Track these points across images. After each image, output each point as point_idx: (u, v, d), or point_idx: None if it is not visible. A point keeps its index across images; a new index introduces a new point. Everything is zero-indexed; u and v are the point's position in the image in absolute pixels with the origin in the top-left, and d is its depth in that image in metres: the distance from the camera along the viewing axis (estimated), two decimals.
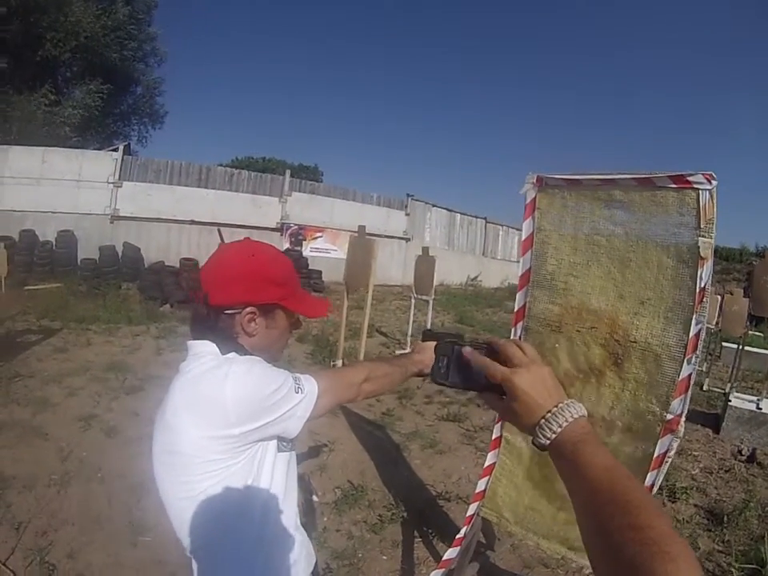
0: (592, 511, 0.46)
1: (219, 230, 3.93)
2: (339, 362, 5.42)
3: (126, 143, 13.92)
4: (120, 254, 10.59)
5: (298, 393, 0.84)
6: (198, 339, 0.90)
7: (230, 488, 0.81)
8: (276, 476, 0.88)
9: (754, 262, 6.01)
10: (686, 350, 1.22)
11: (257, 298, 0.90)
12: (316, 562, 1.03)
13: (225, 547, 0.85)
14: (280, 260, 0.97)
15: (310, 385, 0.87)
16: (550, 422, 0.52)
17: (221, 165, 15.23)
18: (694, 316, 1.21)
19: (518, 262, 1.66)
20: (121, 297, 8.67)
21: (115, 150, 12.03)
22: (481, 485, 1.80)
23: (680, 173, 1.22)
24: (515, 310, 1.59)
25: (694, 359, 1.23)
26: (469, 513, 1.84)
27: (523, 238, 1.56)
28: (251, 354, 0.88)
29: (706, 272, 1.21)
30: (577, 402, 0.54)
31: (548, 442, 0.52)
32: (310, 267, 12.07)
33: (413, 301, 7.13)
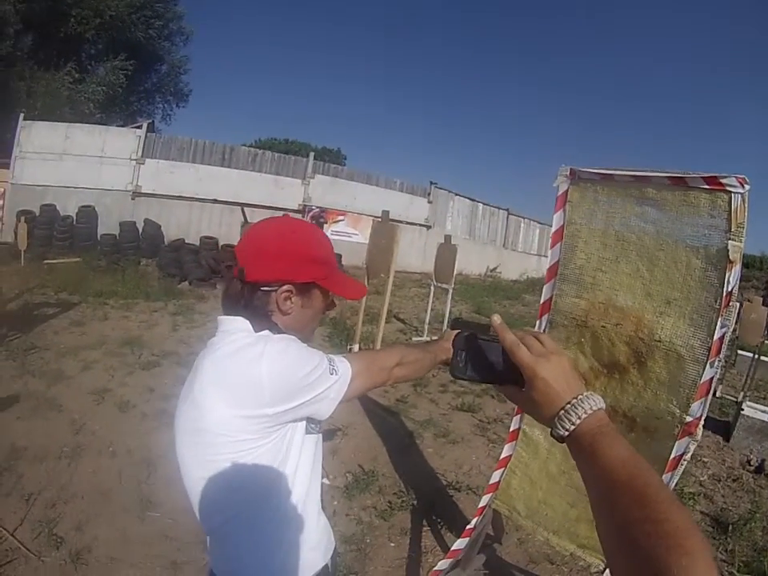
0: (609, 503, 0.46)
1: (243, 209, 4.04)
2: (356, 347, 5.44)
3: (150, 121, 14.03)
4: (140, 230, 10.72)
5: (332, 374, 0.83)
6: (230, 315, 0.87)
7: (258, 468, 0.80)
8: (303, 458, 0.87)
9: None
10: (709, 352, 1.21)
11: (295, 275, 0.87)
12: (335, 547, 1.03)
13: (247, 528, 0.84)
14: (320, 238, 0.95)
15: (344, 367, 0.85)
16: (569, 413, 0.52)
17: (243, 145, 15.23)
18: (720, 319, 1.20)
19: (545, 255, 1.66)
20: (139, 273, 8.76)
21: (139, 127, 12.13)
22: (495, 476, 1.80)
23: (713, 174, 1.20)
24: (541, 302, 1.58)
25: (716, 363, 1.22)
26: (481, 504, 1.85)
27: (553, 230, 1.54)
28: (285, 333, 0.87)
29: (733, 276, 1.20)
30: (596, 394, 0.53)
31: (567, 433, 0.52)
32: None
33: (432, 288, 7.11)
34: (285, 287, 0.86)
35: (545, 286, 1.57)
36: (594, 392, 0.55)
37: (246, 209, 11.20)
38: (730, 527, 3.07)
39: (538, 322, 1.59)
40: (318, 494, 0.94)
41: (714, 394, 6.37)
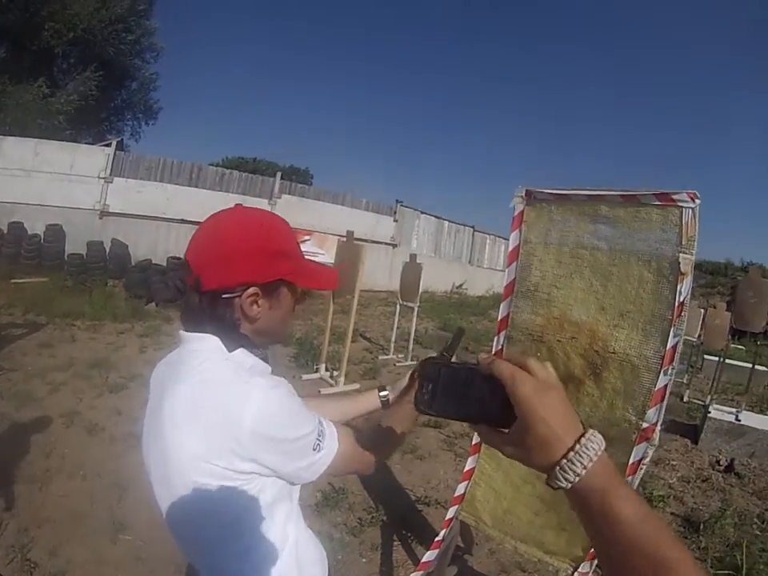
0: (621, 565, 0.43)
1: None
2: (323, 366, 5.46)
3: (119, 139, 13.89)
4: (108, 250, 10.52)
5: (315, 450, 0.74)
6: (195, 331, 0.78)
7: (234, 503, 0.72)
8: (281, 490, 0.79)
9: (738, 277, 6.13)
10: (662, 361, 1.27)
11: (259, 276, 0.77)
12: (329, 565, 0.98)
13: (227, 564, 0.77)
14: (281, 227, 0.83)
15: (330, 446, 0.77)
16: (573, 463, 0.43)
17: (211, 164, 15.20)
18: (672, 329, 1.26)
19: (504, 272, 1.70)
20: (107, 293, 8.63)
21: (108, 144, 11.96)
22: (460, 489, 1.82)
23: (665, 191, 1.27)
24: (499, 319, 1.63)
25: (670, 370, 1.27)
26: (448, 516, 1.87)
27: (509, 249, 1.59)
28: (256, 345, 0.80)
29: (685, 287, 1.26)
30: (595, 431, 0.46)
31: (569, 485, 0.44)
32: None
33: (398, 307, 7.15)
34: (249, 291, 0.77)
35: (502, 303, 1.61)
36: None
37: None
38: (702, 525, 3.15)
39: (496, 338, 1.63)
40: (300, 518, 0.88)
41: (682, 398, 6.60)
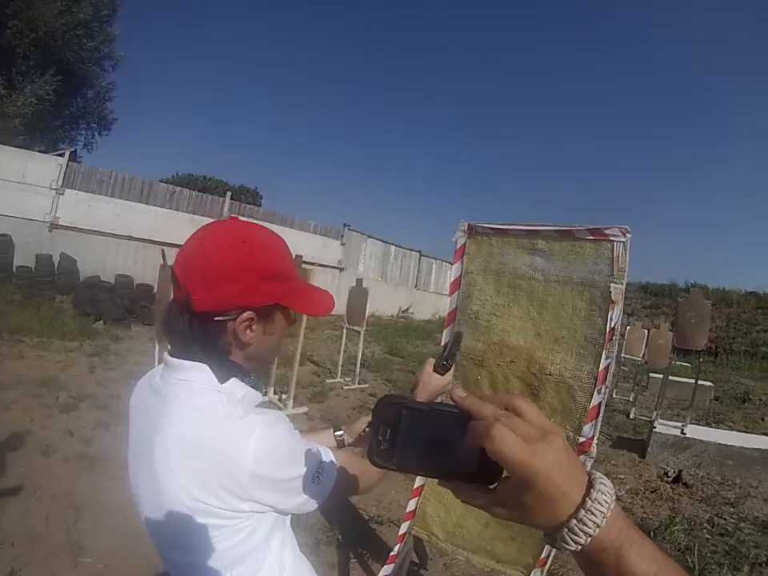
0: None
1: (163, 252, 3.88)
2: (271, 390, 5.48)
3: (73, 149, 13.46)
4: (56, 264, 10.18)
5: (314, 483, 0.72)
6: (183, 357, 0.73)
7: (232, 539, 0.70)
8: (276, 520, 0.78)
9: (678, 299, 6.51)
10: (596, 381, 1.40)
11: (256, 299, 0.72)
12: None
13: None
14: (278, 245, 0.78)
15: (329, 477, 0.74)
16: (584, 523, 0.37)
17: (162, 180, 15.07)
18: (604, 352, 1.39)
19: (447, 300, 1.80)
20: (54, 309, 8.39)
21: (61, 154, 11.55)
22: (411, 505, 1.90)
23: (598, 226, 1.41)
24: (441, 344, 1.74)
25: (603, 389, 1.40)
26: (401, 531, 1.93)
27: (451, 279, 1.72)
28: (246, 372, 0.77)
29: (616, 314, 1.40)
30: (604, 477, 0.40)
31: (580, 548, 0.38)
32: None
33: (345, 331, 7.20)
34: (244, 315, 0.72)
35: (444, 330, 1.73)
36: None
37: (160, 248, 11.00)
38: (652, 533, 3.29)
39: None
40: (294, 543, 0.88)
41: (628, 415, 6.89)
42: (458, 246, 1.67)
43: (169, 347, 0.77)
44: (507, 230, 1.56)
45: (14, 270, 9.64)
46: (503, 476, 0.39)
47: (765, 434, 5.88)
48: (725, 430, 6.48)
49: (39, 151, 11.78)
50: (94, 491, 2.96)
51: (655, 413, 5.67)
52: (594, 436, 1.42)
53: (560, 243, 1.47)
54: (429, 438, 0.41)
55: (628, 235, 1.40)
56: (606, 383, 1.40)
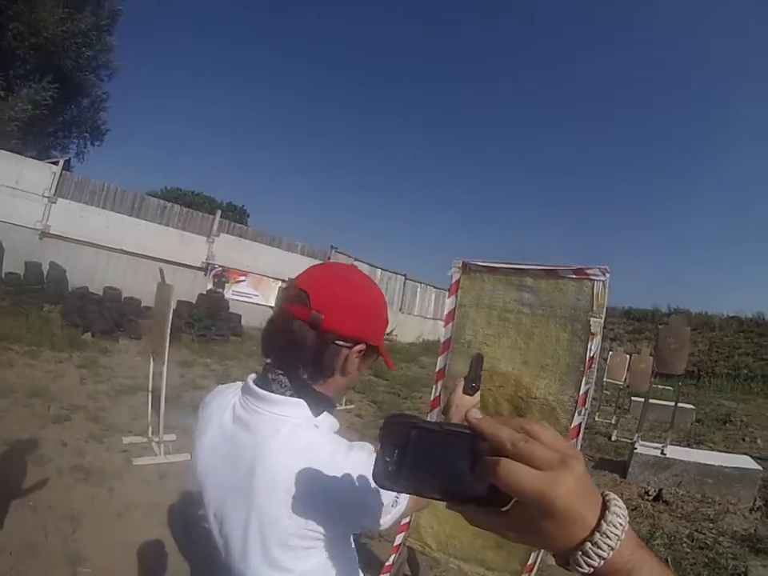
0: None
1: (161, 271, 4.00)
2: None
3: (68, 158, 13.46)
4: (45, 273, 10.12)
5: (393, 506, 0.76)
6: (284, 372, 0.80)
7: (325, 561, 0.78)
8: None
9: (659, 326, 6.71)
10: (576, 404, 1.55)
11: (373, 337, 0.82)
12: None
13: None
14: (385, 303, 0.90)
15: (404, 498, 0.78)
16: (599, 546, 0.36)
17: (150, 193, 15.11)
18: (584, 378, 1.54)
19: (441, 319, 1.95)
20: (42, 319, 8.39)
21: (55, 162, 11.58)
22: (405, 518, 2.01)
23: (580, 267, 1.58)
24: (437, 370, 1.89)
25: (583, 411, 1.55)
26: (396, 542, 2.03)
27: (446, 312, 1.88)
28: (333, 403, 0.85)
29: (594, 344, 1.55)
30: (618, 498, 0.39)
31: (592, 570, 0.37)
32: (230, 310, 12.06)
33: None
34: (360, 346, 0.80)
35: (439, 357, 1.89)
36: None
37: (149, 263, 11.24)
38: None
39: (434, 387, 1.89)
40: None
41: (610, 438, 7.04)
42: (453, 280, 1.83)
43: (253, 376, 0.84)
44: (498, 267, 1.72)
45: (3, 275, 9.60)
46: (515, 499, 0.38)
47: (746, 453, 6.03)
48: (705, 450, 6.64)
49: (32, 157, 11.78)
50: (89, 502, 3.01)
51: (636, 435, 5.80)
52: None
53: (546, 281, 1.63)
54: (438, 460, 0.39)
55: (607, 275, 1.57)
56: (586, 406, 1.55)
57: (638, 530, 3.91)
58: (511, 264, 1.68)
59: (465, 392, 1.10)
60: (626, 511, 0.38)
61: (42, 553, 2.52)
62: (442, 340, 1.86)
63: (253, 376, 0.84)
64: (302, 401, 0.78)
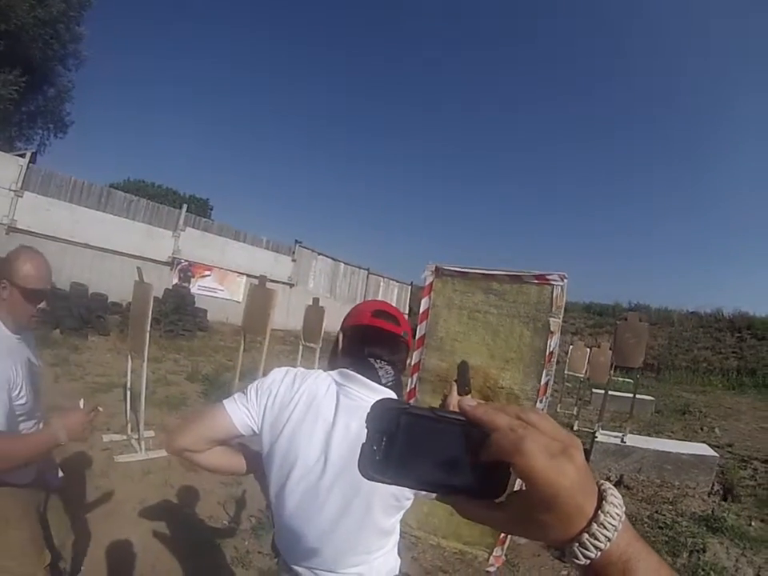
0: None
1: (140, 270, 4.10)
2: None
3: (35, 151, 13.05)
4: None
5: None
6: (392, 381, 1.05)
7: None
8: None
9: (617, 321, 7.04)
10: (538, 393, 1.76)
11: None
12: None
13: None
14: None
15: None
16: (596, 537, 0.36)
17: (113, 185, 14.77)
18: (544, 371, 1.75)
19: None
20: None
21: (22, 155, 11.23)
22: None
23: (541, 273, 1.78)
24: (412, 364, 2.08)
25: (544, 399, 1.76)
26: None
27: (421, 311, 2.07)
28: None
29: (554, 341, 1.76)
30: (613, 488, 0.39)
31: (588, 562, 0.37)
32: (196, 305, 12.02)
33: (301, 348, 7.31)
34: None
35: (414, 353, 2.08)
36: None
37: (116, 258, 11.37)
38: None
39: (410, 380, 2.07)
40: None
41: (572, 428, 7.35)
42: (426, 283, 2.02)
43: (345, 371, 1.06)
44: (468, 272, 1.91)
45: None
46: (511, 491, 0.38)
47: (704, 442, 6.40)
48: (664, 439, 6.99)
49: None
50: (77, 500, 3.03)
51: (597, 424, 6.09)
52: None
53: (510, 285, 1.83)
54: (429, 449, 0.37)
55: (565, 280, 1.77)
56: (547, 395, 1.76)
57: None
58: (480, 270, 1.87)
59: (459, 393, 1.36)
60: (622, 501, 0.38)
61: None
62: (417, 336, 2.04)
63: (345, 371, 1.05)
64: (392, 391, 1.04)
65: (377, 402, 0.39)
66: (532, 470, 0.34)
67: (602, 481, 0.39)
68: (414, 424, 0.37)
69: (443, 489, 0.38)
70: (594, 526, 0.36)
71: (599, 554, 0.36)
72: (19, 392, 1.43)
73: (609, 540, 0.36)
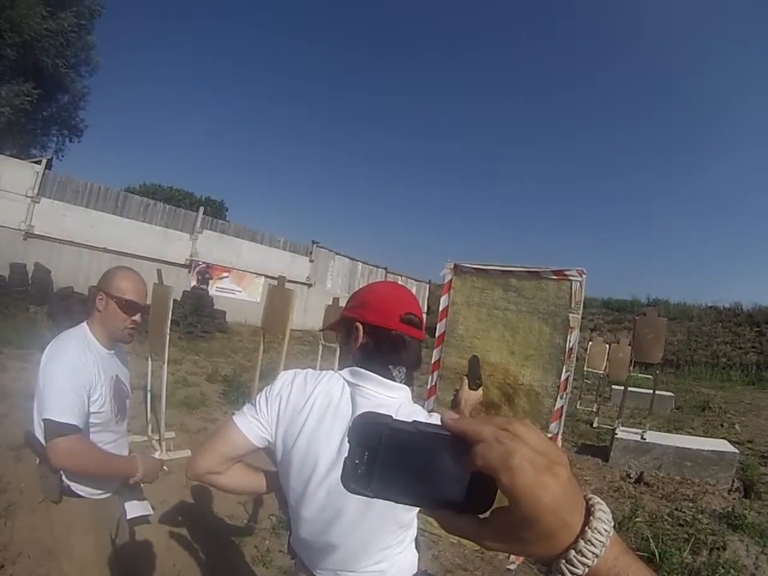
0: None
1: (159, 271, 4.14)
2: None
3: (50, 157, 13.28)
4: (30, 274, 10.03)
5: None
6: (405, 369, 1.06)
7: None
8: None
9: (636, 317, 6.96)
10: (558, 389, 1.74)
11: None
12: None
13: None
14: None
15: None
16: (583, 554, 0.36)
17: (128, 189, 14.97)
18: (564, 367, 1.73)
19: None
20: (30, 320, 8.33)
21: (38, 162, 11.45)
22: None
23: (560, 268, 1.76)
24: (432, 362, 2.09)
25: (564, 395, 1.74)
26: None
27: (441, 309, 2.08)
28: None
29: (573, 337, 1.74)
30: (602, 502, 0.38)
31: None
32: (215, 307, 12.13)
33: (321, 348, 7.26)
34: None
35: (434, 350, 2.08)
36: None
37: (134, 261, 11.22)
38: (616, 525, 3.62)
39: (430, 377, 2.07)
40: None
41: (592, 425, 7.31)
42: (445, 281, 2.02)
43: (358, 369, 1.05)
44: (486, 269, 1.91)
45: None
46: (495, 506, 0.37)
47: (724, 438, 6.30)
48: (684, 435, 6.93)
49: (12, 156, 11.60)
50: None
51: (617, 421, 6.05)
52: (558, 433, 1.76)
53: (529, 281, 1.82)
54: (412, 463, 0.37)
55: (584, 276, 1.76)
56: (567, 391, 1.74)
57: (621, 509, 4.13)
58: (498, 266, 1.87)
59: (470, 388, 1.35)
60: (611, 516, 0.37)
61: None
62: (437, 334, 2.04)
63: (356, 369, 1.05)
64: (406, 387, 1.05)
65: (358, 416, 0.39)
66: (516, 486, 0.34)
67: (590, 495, 0.39)
68: (397, 438, 0.37)
69: (427, 503, 0.38)
70: (582, 542, 0.35)
71: (586, 570, 0.36)
72: (97, 398, 1.48)
73: (596, 556, 0.35)
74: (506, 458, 0.34)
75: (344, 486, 0.38)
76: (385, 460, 0.37)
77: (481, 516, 0.37)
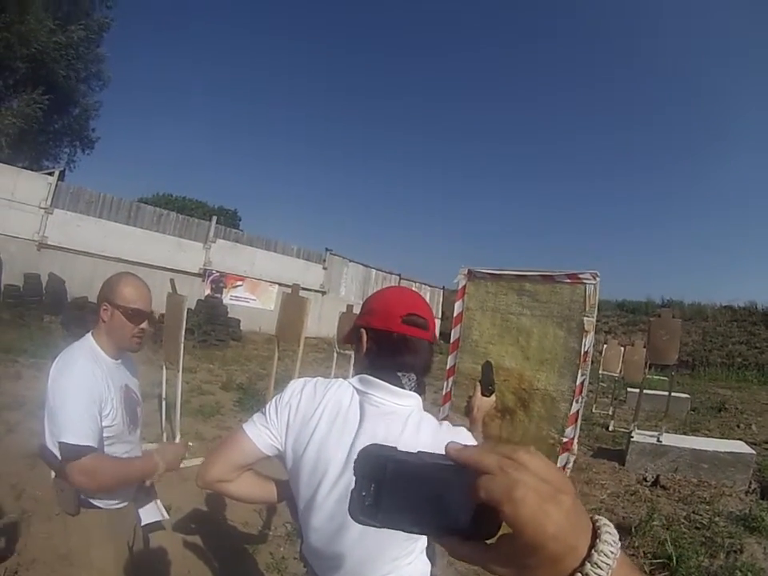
0: None
1: (173, 282, 4.15)
2: None
3: (62, 169, 13.51)
4: (44, 284, 10.18)
5: None
6: (415, 375, 1.03)
7: None
8: None
9: (650, 319, 6.88)
10: (574, 393, 1.72)
11: None
12: None
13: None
14: None
15: None
16: None
17: (141, 199, 15.17)
18: (579, 371, 1.71)
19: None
20: (44, 330, 8.44)
21: (50, 173, 11.66)
22: None
23: (573, 272, 1.75)
24: (447, 368, 2.07)
25: (580, 400, 1.72)
26: None
27: (455, 314, 2.06)
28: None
29: (588, 341, 1.72)
30: (609, 524, 0.38)
31: None
32: (229, 315, 12.18)
33: (335, 355, 7.19)
34: None
35: (449, 356, 2.07)
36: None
37: (147, 271, 11.28)
38: (633, 529, 3.58)
39: (445, 383, 2.05)
40: None
41: (607, 428, 7.22)
42: (460, 286, 2.01)
43: (366, 377, 1.04)
44: (500, 274, 1.90)
45: (2, 288, 9.66)
46: (502, 533, 0.37)
47: (740, 439, 6.22)
48: (701, 437, 6.82)
49: (24, 168, 11.81)
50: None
51: (633, 424, 5.99)
52: (574, 437, 1.73)
53: (543, 286, 1.80)
54: (418, 493, 0.37)
55: (597, 279, 1.74)
56: (583, 395, 1.72)
57: (637, 512, 4.08)
58: (512, 271, 1.85)
59: (483, 394, 1.35)
60: (618, 538, 0.37)
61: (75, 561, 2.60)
62: (452, 340, 2.03)
63: (365, 377, 1.03)
64: (415, 395, 1.03)
65: (363, 449, 0.40)
66: (518, 517, 0.34)
67: (597, 516, 0.39)
68: (401, 470, 0.38)
69: (434, 531, 0.39)
70: (588, 566, 0.35)
71: None
72: (109, 412, 1.46)
73: None
74: (509, 490, 0.34)
75: (352, 518, 0.39)
76: (391, 491, 0.38)
77: (487, 542, 0.38)
